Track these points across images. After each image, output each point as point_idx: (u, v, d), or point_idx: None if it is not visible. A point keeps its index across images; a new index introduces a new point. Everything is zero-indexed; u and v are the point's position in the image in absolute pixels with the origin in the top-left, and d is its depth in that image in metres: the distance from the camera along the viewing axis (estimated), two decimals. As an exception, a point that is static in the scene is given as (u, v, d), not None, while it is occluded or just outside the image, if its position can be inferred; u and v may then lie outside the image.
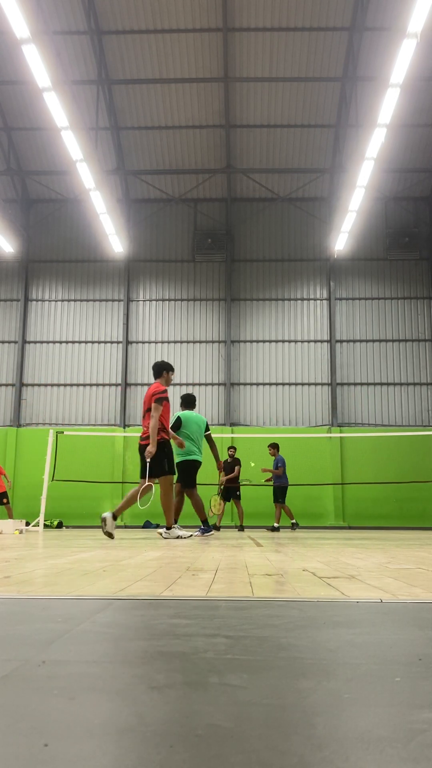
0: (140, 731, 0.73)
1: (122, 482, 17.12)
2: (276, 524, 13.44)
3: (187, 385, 19.24)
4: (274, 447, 13.81)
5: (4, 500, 15.00)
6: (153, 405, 7.39)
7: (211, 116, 18.27)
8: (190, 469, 8.54)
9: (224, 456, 14.43)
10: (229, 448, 14.27)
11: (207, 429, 8.80)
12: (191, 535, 7.75)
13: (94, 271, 20.07)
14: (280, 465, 13.50)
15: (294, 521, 13.57)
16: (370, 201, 18.82)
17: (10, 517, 14.31)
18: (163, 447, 7.46)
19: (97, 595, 1.99)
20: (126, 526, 17.19)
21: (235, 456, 14.09)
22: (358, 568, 3.00)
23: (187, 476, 8.52)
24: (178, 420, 8.63)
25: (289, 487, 13.69)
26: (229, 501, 13.79)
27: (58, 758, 0.65)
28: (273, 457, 13.79)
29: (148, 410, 7.52)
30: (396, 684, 0.95)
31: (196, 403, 8.88)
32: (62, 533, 10.94)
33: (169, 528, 7.53)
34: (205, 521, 8.54)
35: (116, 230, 17.35)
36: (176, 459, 8.32)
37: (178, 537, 7.38)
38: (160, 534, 7.67)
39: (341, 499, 18.04)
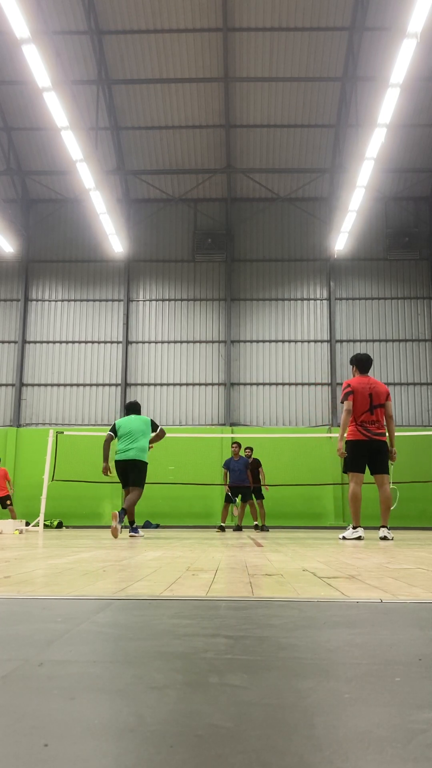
0: (140, 731, 0.73)
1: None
2: (262, 522, 13.51)
3: (187, 385, 19.24)
4: (250, 449, 13.81)
5: (8, 502, 15.14)
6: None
7: (211, 116, 18.27)
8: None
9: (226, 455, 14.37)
10: (246, 449, 13.96)
11: (155, 427, 9.06)
12: (143, 535, 8.54)
13: (94, 271, 20.07)
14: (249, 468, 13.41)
15: (256, 522, 13.59)
16: (370, 201, 18.83)
17: (14, 518, 14.43)
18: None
19: (97, 595, 1.99)
20: (126, 526, 17.18)
21: (253, 456, 13.97)
22: (358, 568, 3.00)
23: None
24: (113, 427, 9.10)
25: (286, 487, 13.64)
26: (246, 502, 13.58)
27: (58, 758, 0.65)
28: (244, 457, 13.62)
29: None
30: (396, 684, 0.95)
31: (139, 407, 9.30)
32: (62, 533, 10.94)
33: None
34: (132, 522, 8.84)
35: (116, 230, 17.36)
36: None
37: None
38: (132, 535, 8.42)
39: (341, 499, 18.03)
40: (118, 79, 17.30)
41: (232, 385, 19.18)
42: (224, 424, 18.84)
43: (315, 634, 1.34)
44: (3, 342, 19.85)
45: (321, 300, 19.66)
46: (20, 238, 19.91)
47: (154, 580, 2.41)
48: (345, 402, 7.49)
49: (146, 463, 8.81)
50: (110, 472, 8.83)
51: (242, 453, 13.70)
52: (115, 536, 7.78)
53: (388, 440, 7.69)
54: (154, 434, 8.99)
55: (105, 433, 9.21)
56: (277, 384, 19.12)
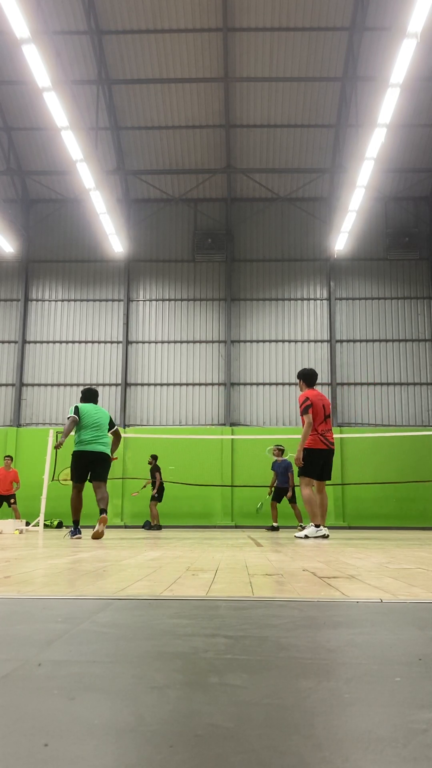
0: (140, 731, 0.73)
1: (122, 478, 17.13)
2: (275, 524, 13.42)
3: (187, 385, 19.25)
4: (280, 450, 13.64)
5: (12, 500, 15.30)
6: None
7: (211, 116, 18.27)
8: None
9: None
10: (276, 447, 13.69)
11: (112, 425, 8.37)
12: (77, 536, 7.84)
13: (94, 271, 20.07)
14: (291, 470, 13.30)
15: (276, 525, 13.46)
16: (370, 201, 18.83)
17: (17, 518, 14.54)
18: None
19: (97, 595, 1.99)
20: (126, 526, 17.20)
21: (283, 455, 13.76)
22: (358, 568, 3.00)
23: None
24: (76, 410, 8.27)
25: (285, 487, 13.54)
26: (279, 502, 13.52)
27: (58, 758, 0.65)
28: (276, 458, 13.59)
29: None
30: (396, 684, 0.95)
31: (98, 398, 8.67)
32: (62, 533, 10.94)
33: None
34: (76, 522, 7.98)
35: (116, 230, 17.36)
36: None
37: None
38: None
39: (341, 499, 18.04)
40: (118, 79, 17.30)
41: (232, 385, 19.18)
42: (224, 424, 18.84)
43: (315, 634, 1.34)
44: (3, 342, 19.85)
45: (321, 300, 19.66)
46: (20, 238, 19.91)
47: (154, 580, 2.41)
48: (306, 415, 7.88)
49: (110, 457, 8.14)
50: (61, 447, 8.05)
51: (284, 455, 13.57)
52: (99, 538, 7.47)
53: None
54: (111, 435, 8.26)
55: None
56: (277, 384, 19.12)
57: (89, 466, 7.87)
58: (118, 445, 8.45)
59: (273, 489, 13.38)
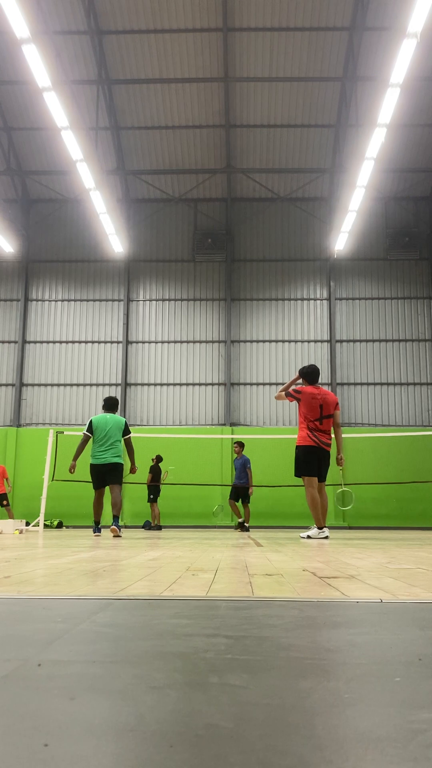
0: (140, 731, 0.73)
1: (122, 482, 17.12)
2: (240, 520, 13.36)
3: (187, 384, 19.25)
4: (240, 445, 13.59)
5: (4, 502, 15.11)
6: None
7: (211, 116, 18.27)
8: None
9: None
10: (236, 443, 13.91)
11: (126, 432, 9.06)
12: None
13: (94, 271, 20.07)
14: (248, 466, 13.39)
15: (241, 521, 13.44)
16: (370, 201, 18.82)
17: (11, 518, 14.39)
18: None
19: (97, 595, 1.99)
20: (126, 526, 17.20)
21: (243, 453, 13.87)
22: (358, 568, 3.00)
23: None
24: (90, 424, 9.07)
25: (287, 487, 13.57)
26: (237, 500, 13.62)
27: (58, 758, 0.65)
28: (237, 455, 13.55)
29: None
30: (396, 684, 0.95)
31: (117, 405, 9.35)
32: (62, 533, 10.94)
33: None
34: (97, 522, 8.99)
35: (116, 230, 17.35)
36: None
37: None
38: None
39: (341, 499, 18.02)
40: (118, 79, 17.30)
41: (232, 385, 19.18)
42: (224, 424, 18.84)
43: (315, 634, 1.34)
44: (3, 342, 19.85)
45: (321, 300, 19.66)
46: (20, 238, 19.91)
47: (154, 580, 2.41)
48: (289, 397, 8.20)
49: (122, 464, 8.96)
50: (74, 471, 8.88)
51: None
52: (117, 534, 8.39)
53: (334, 448, 8.33)
54: (126, 442, 9.00)
55: None
56: (277, 384, 19.11)
57: (102, 476, 8.81)
58: (132, 452, 9.11)
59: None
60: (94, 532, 8.88)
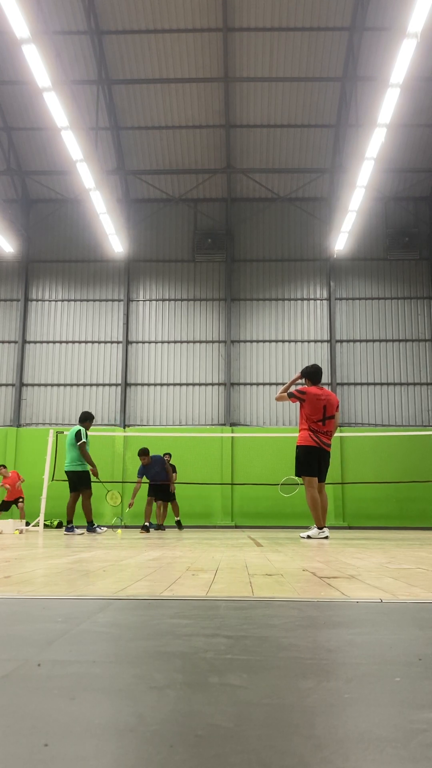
0: (140, 731, 0.73)
1: (122, 482, 17.12)
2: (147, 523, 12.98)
3: (187, 385, 19.24)
4: (145, 454, 12.67)
5: (20, 502, 15.72)
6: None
7: (211, 116, 18.26)
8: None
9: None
10: (165, 455, 13.89)
11: (77, 439, 10.12)
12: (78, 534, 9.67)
13: (94, 271, 20.07)
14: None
15: (149, 522, 13.20)
16: (370, 201, 18.82)
17: (23, 518, 15.23)
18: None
19: (97, 595, 1.99)
20: (126, 526, 17.19)
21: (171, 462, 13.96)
22: (358, 568, 3.00)
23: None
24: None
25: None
26: (166, 501, 13.64)
27: (58, 758, 0.65)
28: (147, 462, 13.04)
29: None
30: (396, 684, 0.95)
31: (86, 417, 10.49)
32: (62, 533, 10.94)
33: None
34: (90, 521, 10.14)
35: (116, 230, 17.35)
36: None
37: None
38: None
39: (341, 499, 18.04)
40: (118, 79, 17.30)
41: (232, 385, 19.18)
42: (224, 424, 18.84)
43: (315, 634, 1.34)
44: (3, 342, 19.84)
45: (321, 300, 19.66)
46: (20, 238, 19.91)
47: (154, 580, 2.41)
48: (292, 398, 8.19)
49: (76, 472, 9.99)
50: (98, 474, 10.09)
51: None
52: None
53: (334, 449, 8.60)
54: (79, 448, 10.05)
55: (105, 433, 9.69)
56: (277, 384, 19.11)
57: (71, 482, 10.16)
58: (85, 457, 10.10)
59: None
60: (65, 532, 9.74)
